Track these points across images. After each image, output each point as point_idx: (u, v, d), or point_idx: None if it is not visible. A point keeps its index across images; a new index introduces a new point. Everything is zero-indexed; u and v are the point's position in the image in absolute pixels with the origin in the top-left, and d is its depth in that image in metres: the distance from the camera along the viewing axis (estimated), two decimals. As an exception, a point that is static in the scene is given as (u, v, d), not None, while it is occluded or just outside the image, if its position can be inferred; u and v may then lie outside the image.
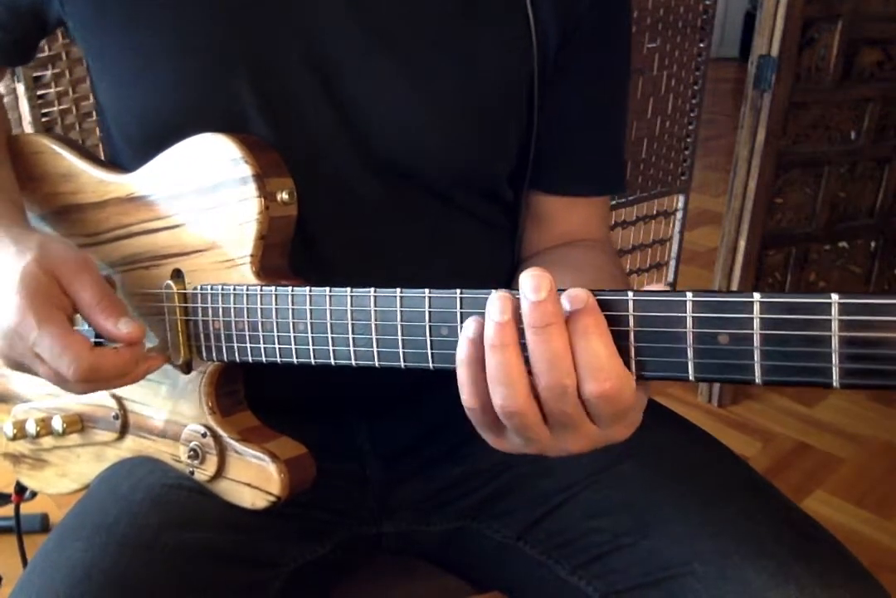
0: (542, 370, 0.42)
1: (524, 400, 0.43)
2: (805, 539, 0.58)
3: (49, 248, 0.57)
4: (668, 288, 0.42)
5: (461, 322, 0.47)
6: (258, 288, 0.57)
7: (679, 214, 1.67)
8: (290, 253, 0.63)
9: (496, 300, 0.43)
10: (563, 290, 0.43)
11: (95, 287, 0.57)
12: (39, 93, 1.01)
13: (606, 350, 0.42)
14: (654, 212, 1.66)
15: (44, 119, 1.02)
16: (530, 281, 0.41)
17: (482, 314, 0.44)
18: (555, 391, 0.43)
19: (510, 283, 0.74)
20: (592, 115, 0.72)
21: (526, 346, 0.43)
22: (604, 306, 0.42)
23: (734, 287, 1.72)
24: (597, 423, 0.44)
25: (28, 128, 1.02)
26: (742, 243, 1.67)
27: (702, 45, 1.54)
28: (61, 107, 1.03)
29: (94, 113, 1.05)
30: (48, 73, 1.00)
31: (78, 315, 0.58)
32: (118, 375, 0.57)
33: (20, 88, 0.99)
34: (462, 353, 0.44)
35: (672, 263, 1.73)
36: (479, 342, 0.43)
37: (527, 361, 0.43)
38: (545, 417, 0.44)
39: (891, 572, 0.78)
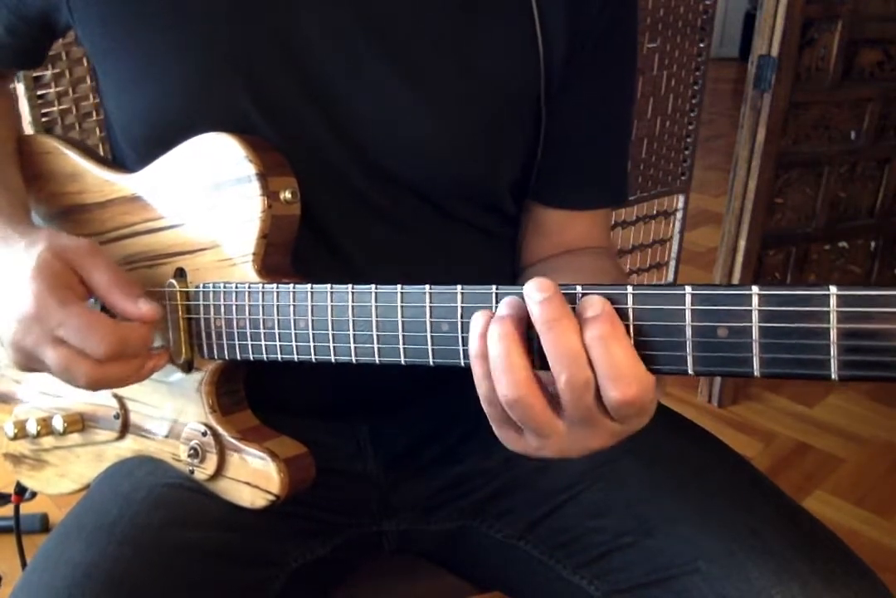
0: (561, 367, 0.42)
1: (525, 387, 0.43)
2: (808, 538, 0.58)
3: (57, 237, 0.58)
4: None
5: (462, 318, 0.47)
6: (260, 286, 0.57)
7: (679, 214, 1.67)
8: (316, 258, 0.63)
9: (504, 301, 0.44)
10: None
11: (109, 269, 0.57)
12: (39, 93, 1.01)
13: (626, 356, 0.41)
14: (654, 212, 1.66)
15: (44, 119, 1.02)
16: (535, 284, 0.42)
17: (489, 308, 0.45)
18: (575, 386, 0.42)
19: None
20: (597, 128, 0.71)
21: (540, 348, 0.43)
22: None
23: (734, 287, 1.72)
24: (618, 421, 0.44)
25: (28, 128, 1.02)
26: (742, 243, 1.67)
27: (702, 45, 1.54)
28: (61, 107, 1.03)
29: (94, 113, 1.05)
30: (48, 73, 1.00)
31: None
32: (142, 349, 0.58)
33: (20, 88, 0.99)
34: (473, 348, 0.44)
35: (672, 263, 1.73)
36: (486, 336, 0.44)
37: (543, 365, 0.43)
38: (563, 413, 0.44)
39: (891, 572, 0.78)
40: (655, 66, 1.49)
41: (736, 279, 1.72)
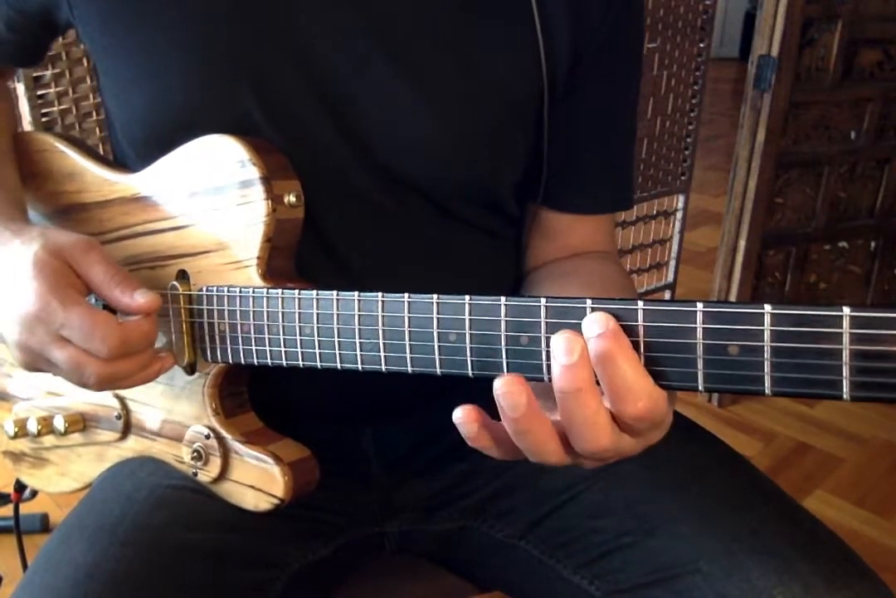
0: (579, 436, 0.43)
1: (557, 456, 0.44)
2: (810, 538, 0.58)
3: (52, 234, 0.57)
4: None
5: (469, 329, 0.47)
6: (264, 290, 0.57)
7: (679, 214, 1.67)
8: (313, 261, 0.63)
9: (504, 385, 0.42)
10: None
11: (106, 264, 0.57)
12: (39, 93, 1.01)
13: (634, 372, 0.41)
14: (654, 212, 1.66)
15: (44, 119, 1.02)
16: (563, 344, 0.42)
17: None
18: (593, 452, 0.43)
19: (515, 290, 0.74)
20: (603, 132, 0.70)
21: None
22: (614, 316, 0.42)
23: (734, 287, 1.73)
24: (634, 436, 0.44)
25: (28, 128, 1.02)
26: (742, 243, 1.67)
27: (702, 45, 1.54)
28: (61, 107, 1.03)
29: (94, 113, 1.05)
30: (48, 73, 1.00)
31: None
32: (146, 346, 0.57)
33: (20, 88, 0.99)
34: (470, 438, 0.46)
35: (672, 263, 1.73)
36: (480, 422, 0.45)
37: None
38: (579, 458, 0.45)
39: (891, 572, 0.78)
40: (655, 66, 1.49)
41: (736, 279, 1.72)
